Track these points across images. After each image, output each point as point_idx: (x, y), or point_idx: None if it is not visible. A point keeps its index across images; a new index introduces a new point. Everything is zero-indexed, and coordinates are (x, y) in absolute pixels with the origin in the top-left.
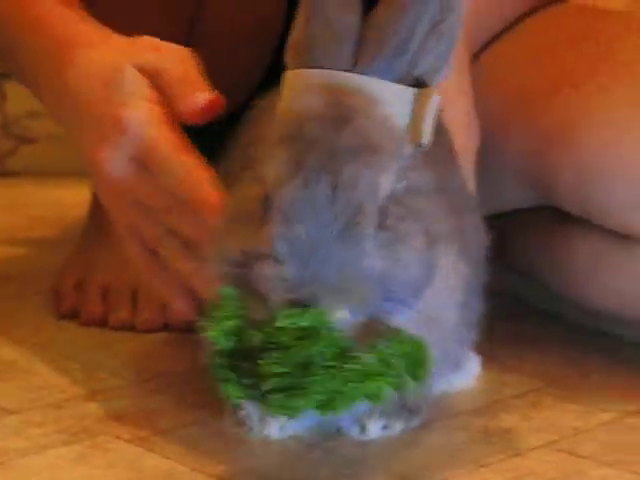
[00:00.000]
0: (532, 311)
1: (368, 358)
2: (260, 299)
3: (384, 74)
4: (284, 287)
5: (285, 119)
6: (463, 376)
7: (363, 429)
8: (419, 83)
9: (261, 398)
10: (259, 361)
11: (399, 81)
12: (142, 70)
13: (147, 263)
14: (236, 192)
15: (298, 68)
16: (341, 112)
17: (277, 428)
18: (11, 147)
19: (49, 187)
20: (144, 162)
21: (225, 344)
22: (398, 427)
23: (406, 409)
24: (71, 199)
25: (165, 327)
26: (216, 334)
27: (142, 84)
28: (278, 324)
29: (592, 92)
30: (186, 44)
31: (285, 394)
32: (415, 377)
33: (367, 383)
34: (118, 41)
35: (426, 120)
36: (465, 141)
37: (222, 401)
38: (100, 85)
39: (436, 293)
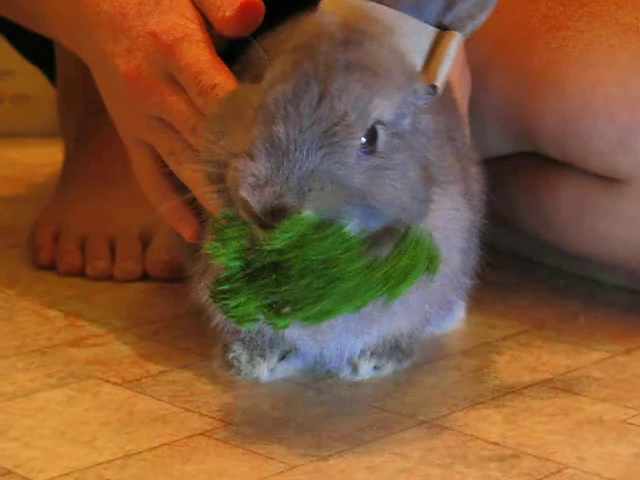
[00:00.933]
0: (514, 259)
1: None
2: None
3: (412, 11)
4: (251, 183)
5: (298, 34)
6: (450, 320)
7: (354, 370)
8: (450, 27)
9: (277, 313)
10: (273, 275)
11: (428, 21)
12: None
13: (155, 180)
14: (235, 97)
15: None
16: (353, 35)
17: (266, 370)
18: None
19: (14, 147)
20: (175, 77)
21: (234, 267)
22: (389, 368)
23: (397, 350)
24: (36, 159)
25: (144, 277)
26: (225, 259)
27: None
28: (269, 246)
29: (570, 36)
30: None
31: (303, 305)
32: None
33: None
34: None
35: (443, 63)
36: (460, 90)
37: (211, 344)
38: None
39: (440, 236)
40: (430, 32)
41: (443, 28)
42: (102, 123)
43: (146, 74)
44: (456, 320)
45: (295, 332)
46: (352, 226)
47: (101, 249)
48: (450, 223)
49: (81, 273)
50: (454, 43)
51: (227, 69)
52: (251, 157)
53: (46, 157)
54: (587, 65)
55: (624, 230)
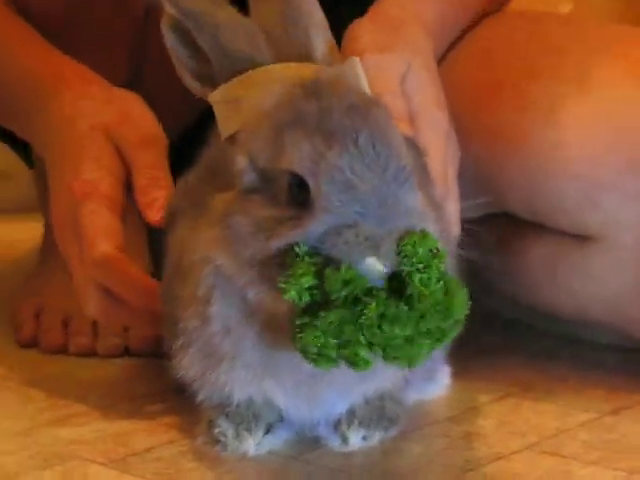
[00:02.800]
0: (496, 320)
1: None
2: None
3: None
4: (367, 246)
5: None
6: (435, 386)
7: (344, 440)
8: None
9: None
10: (362, 309)
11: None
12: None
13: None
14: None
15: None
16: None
17: (253, 444)
18: None
19: None
20: None
21: (303, 300)
22: (377, 436)
23: (385, 418)
24: (13, 236)
25: (126, 352)
26: (294, 293)
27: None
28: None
29: (535, 96)
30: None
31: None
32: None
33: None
34: (98, 93)
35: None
36: (445, 158)
37: (196, 420)
38: (78, 136)
39: None
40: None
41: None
42: None
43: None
44: (441, 386)
45: (286, 399)
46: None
47: (83, 325)
48: None
49: (64, 349)
50: (359, 66)
51: (119, 237)
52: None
53: (27, 232)
54: (550, 125)
55: (595, 286)
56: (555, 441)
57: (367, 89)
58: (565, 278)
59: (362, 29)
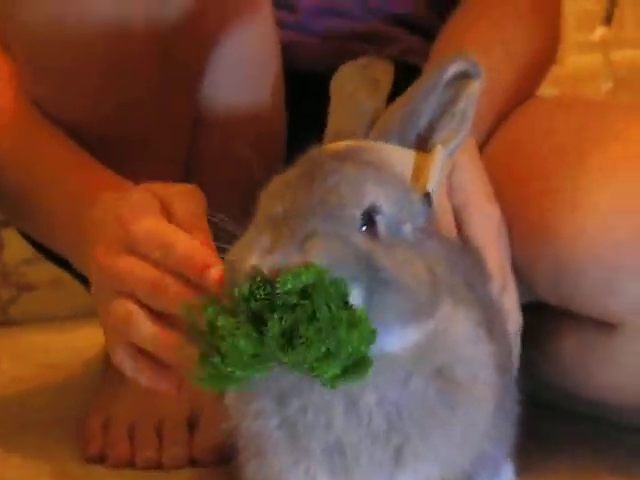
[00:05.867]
0: (559, 411)
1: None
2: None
3: (396, 143)
4: (260, 250)
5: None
6: None
7: None
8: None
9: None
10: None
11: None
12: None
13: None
14: None
15: None
16: (344, 151)
17: None
18: (12, 295)
19: (53, 333)
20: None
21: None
22: None
23: None
24: (75, 343)
25: (192, 462)
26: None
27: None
28: (284, 288)
29: (558, 175)
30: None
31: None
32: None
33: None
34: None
35: (430, 172)
36: (497, 251)
37: None
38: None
39: (460, 361)
40: (411, 154)
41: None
42: None
43: (104, 253)
44: None
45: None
46: (357, 295)
47: (149, 437)
48: (470, 348)
49: (131, 463)
50: (439, 155)
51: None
52: (255, 236)
53: (87, 339)
54: (574, 210)
55: (625, 375)
56: None
57: (431, 180)
58: (595, 367)
59: None
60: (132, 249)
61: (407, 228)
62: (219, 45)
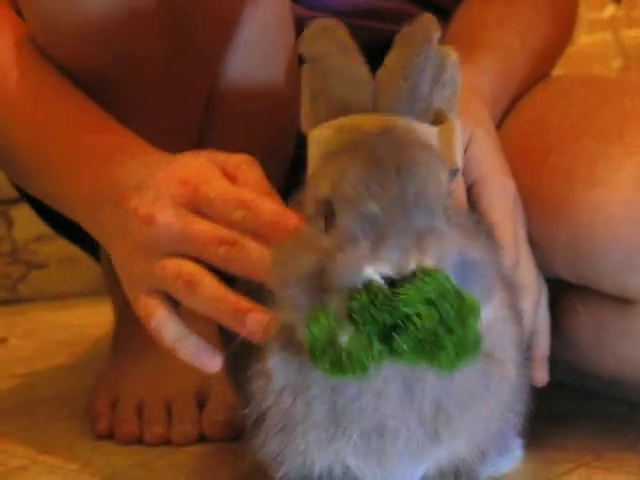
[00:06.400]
0: (565, 388)
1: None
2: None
3: (407, 115)
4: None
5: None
6: (508, 459)
7: None
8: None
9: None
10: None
11: (421, 119)
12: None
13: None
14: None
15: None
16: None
17: None
18: (22, 273)
19: (61, 310)
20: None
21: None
22: None
23: None
24: (84, 321)
25: (202, 439)
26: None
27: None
28: (408, 305)
29: (576, 156)
30: None
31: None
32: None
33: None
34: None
35: (455, 148)
36: (517, 218)
37: None
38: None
39: (492, 339)
40: (433, 130)
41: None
42: None
43: (171, 213)
44: (514, 459)
45: (357, 459)
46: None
47: (158, 414)
48: (502, 328)
49: (140, 439)
50: (456, 126)
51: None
52: (355, 241)
53: (96, 317)
54: (592, 185)
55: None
56: None
57: (458, 154)
58: (612, 343)
59: None
60: (201, 209)
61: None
62: (237, 23)
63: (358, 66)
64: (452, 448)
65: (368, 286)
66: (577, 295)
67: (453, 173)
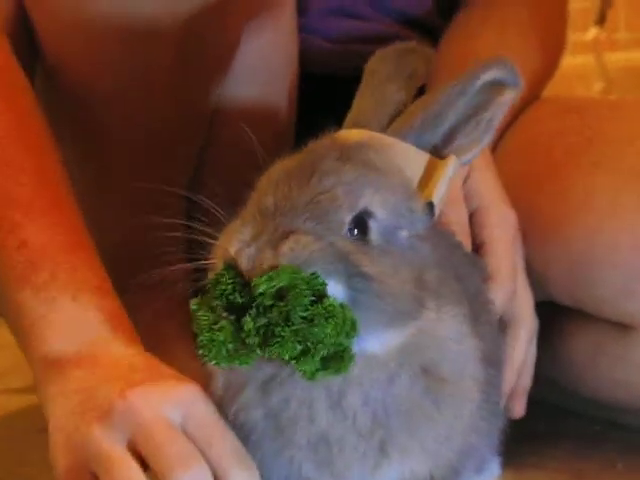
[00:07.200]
0: (546, 407)
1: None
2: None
3: (411, 139)
4: (239, 243)
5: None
6: (486, 478)
7: None
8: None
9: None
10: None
11: (425, 148)
12: None
13: None
14: None
15: None
16: (349, 147)
17: None
18: None
19: None
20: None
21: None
22: None
23: None
24: None
25: None
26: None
27: None
28: (258, 290)
29: (574, 182)
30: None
31: (266, 343)
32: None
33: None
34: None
35: (439, 183)
36: (516, 250)
37: None
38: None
39: (446, 357)
40: (424, 157)
41: (442, 155)
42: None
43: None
44: (492, 476)
45: (316, 474)
46: (334, 289)
47: None
48: (456, 345)
49: None
50: (451, 166)
51: None
52: (241, 225)
53: None
54: (590, 211)
55: (638, 375)
56: None
57: (437, 190)
58: (608, 367)
59: None
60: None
61: (403, 234)
62: (241, 49)
63: (399, 90)
64: (411, 465)
65: (228, 271)
66: (573, 317)
67: (428, 206)
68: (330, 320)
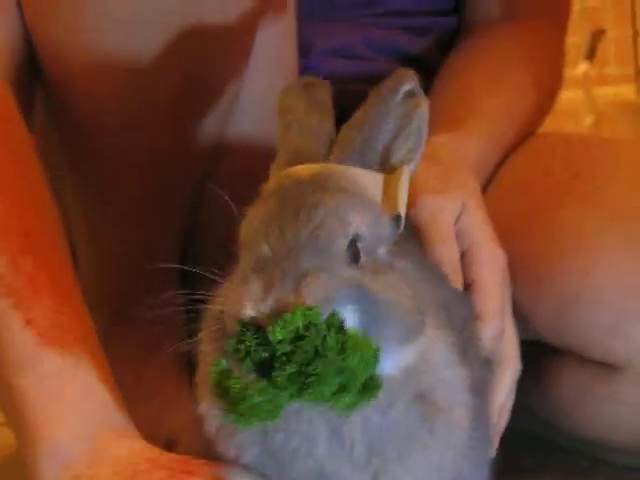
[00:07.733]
0: (534, 442)
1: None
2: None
3: (358, 166)
4: (251, 301)
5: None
6: None
7: None
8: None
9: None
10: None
11: (371, 168)
12: None
13: None
14: None
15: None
16: (316, 174)
17: None
18: None
19: None
20: None
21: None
22: None
23: None
24: None
25: None
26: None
27: None
28: (274, 339)
29: (562, 222)
30: None
31: (303, 387)
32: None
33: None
34: None
35: (399, 194)
36: (504, 290)
37: None
38: None
39: (436, 381)
40: (378, 176)
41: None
42: (116, 335)
43: None
44: None
45: None
46: (350, 317)
47: None
48: (448, 371)
49: None
50: (405, 176)
51: None
52: (245, 282)
53: None
54: (578, 251)
55: (629, 415)
56: None
57: (400, 202)
58: (596, 407)
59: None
60: None
61: (381, 250)
62: (246, 81)
63: (322, 121)
64: None
65: (243, 326)
66: (561, 356)
67: (395, 219)
68: (357, 351)
